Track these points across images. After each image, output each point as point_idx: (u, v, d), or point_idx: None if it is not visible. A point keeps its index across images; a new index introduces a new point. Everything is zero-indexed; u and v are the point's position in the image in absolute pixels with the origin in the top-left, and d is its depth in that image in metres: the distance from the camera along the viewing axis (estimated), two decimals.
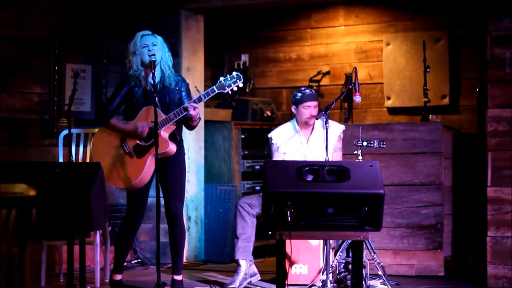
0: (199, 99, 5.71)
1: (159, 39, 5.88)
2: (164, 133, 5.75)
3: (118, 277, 6.02)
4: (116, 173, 5.82)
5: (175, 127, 5.82)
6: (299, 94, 6.42)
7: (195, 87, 5.97)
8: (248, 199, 6.37)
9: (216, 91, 5.75)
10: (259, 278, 6.33)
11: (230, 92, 5.81)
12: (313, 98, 6.40)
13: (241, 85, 5.81)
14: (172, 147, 5.78)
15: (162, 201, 5.93)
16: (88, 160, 6.50)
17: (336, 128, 6.37)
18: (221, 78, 5.79)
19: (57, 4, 7.04)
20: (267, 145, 7.66)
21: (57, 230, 4.72)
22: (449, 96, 7.83)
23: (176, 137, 5.89)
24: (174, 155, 5.83)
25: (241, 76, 5.81)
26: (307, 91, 6.44)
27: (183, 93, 5.91)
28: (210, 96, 5.75)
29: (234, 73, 5.81)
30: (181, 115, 5.72)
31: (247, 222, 6.26)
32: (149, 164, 5.76)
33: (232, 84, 5.77)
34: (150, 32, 5.90)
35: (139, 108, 5.85)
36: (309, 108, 6.36)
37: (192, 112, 5.68)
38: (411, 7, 8.10)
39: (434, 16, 7.99)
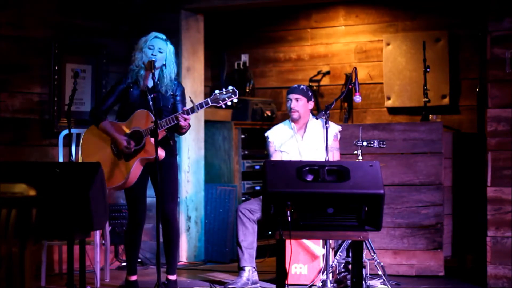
0: (192, 110, 5.72)
1: (169, 49, 5.87)
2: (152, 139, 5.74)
3: (134, 277, 6.08)
4: (104, 173, 5.80)
5: (165, 133, 5.84)
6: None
7: (189, 97, 5.93)
8: (248, 204, 6.37)
9: (210, 103, 5.76)
10: (259, 286, 6.32)
11: (223, 106, 5.83)
12: (294, 91, 6.41)
13: (235, 100, 5.82)
14: (161, 153, 5.80)
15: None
16: (80, 159, 6.50)
17: (332, 128, 6.37)
18: (217, 91, 5.80)
19: (57, 4, 7.04)
20: (266, 146, 7.65)
21: (57, 230, 4.72)
22: (449, 96, 7.82)
23: (168, 141, 5.90)
24: (167, 158, 5.85)
25: (237, 91, 5.82)
26: (296, 85, 6.49)
27: (178, 98, 5.93)
28: (203, 108, 5.77)
29: (230, 88, 5.82)
30: (173, 123, 5.73)
31: (248, 229, 6.26)
32: (135, 168, 5.79)
33: (226, 99, 5.79)
34: (164, 37, 5.89)
35: (133, 108, 5.86)
36: (289, 101, 6.40)
37: (182, 123, 5.70)
38: (411, 7, 8.10)
39: (434, 16, 7.98)
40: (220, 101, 5.78)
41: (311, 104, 6.43)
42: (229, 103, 5.82)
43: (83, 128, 6.65)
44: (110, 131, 5.85)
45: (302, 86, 6.44)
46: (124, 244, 6.13)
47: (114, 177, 5.81)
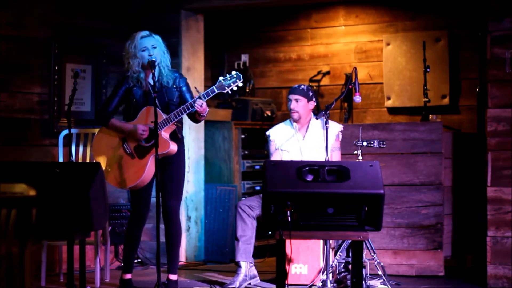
0: (199, 99, 5.71)
1: (157, 39, 5.87)
2: (165, 134, 5.76)
3: (128, 276, 6.06)
4: (118, 174, 5.83)
5: (175, 126, 5.83)
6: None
7: (195, 87, 5.98)
8: (248, 201, 6.37)
9: (216, 91, 5.75)
10: (259, 280, 6.33)
11: (230, 92, 5.83)
12: (294, 92, 6.40)
13: (240, 84, 5.81)
14: (173, 147, 5.80)
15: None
16: (88, 160, 6.51)
17: (334, 128, 6.37)
18: (221, 78, 5.80)
19: (57, 4, 7.04)
20: (266, 145, 7.66)
21: (57, 230, 4.72)
22: (449, 96, 7.82)
23: (177, 136, 5.90)
24: (175, 154, 5.84)
25: (241, 75, 5.82)
26: (296, 85, 6.49)
27: (183, 88, 5.93)
28: (210, 96, 5.75)
29: (234, 73, 5.81)
30: (182, 116, 5.74)
31: (247, 224, 6.26)
32: (151, 165, 5.76)
33: (232, 84, 5.78)
34: (148, 33, 5.89)
35: (138, 108, 5.86)
36: (289, 101, 6.41)
37: (199, 109, 5.68)
38: (411, 7, 8.10)
39: (434, 16, 7.99)
40: (226, 87, 5.76)
41: (312, 104, 6.42)
42: (235, 88, 5.79)
43: (83, 128, 6.66)
44: (121, 126, 5.84)
45: (302, 86, 6.43)
46: (124, 241, 6.11)
47: (130, 177, 5.80)
